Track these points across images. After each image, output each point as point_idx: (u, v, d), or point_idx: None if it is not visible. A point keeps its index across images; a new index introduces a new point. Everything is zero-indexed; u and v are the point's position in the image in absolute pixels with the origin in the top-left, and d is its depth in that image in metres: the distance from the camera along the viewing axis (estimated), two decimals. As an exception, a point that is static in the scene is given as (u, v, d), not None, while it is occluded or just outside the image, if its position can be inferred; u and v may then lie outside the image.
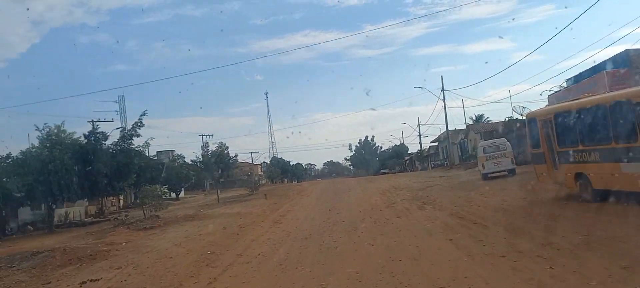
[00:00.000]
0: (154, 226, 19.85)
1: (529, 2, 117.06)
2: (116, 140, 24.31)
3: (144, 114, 24.29)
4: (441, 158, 62.21)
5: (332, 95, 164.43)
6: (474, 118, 71.72)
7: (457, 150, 48.78)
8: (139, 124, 24.18)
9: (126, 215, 25.78)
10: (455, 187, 21.43)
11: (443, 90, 44.63)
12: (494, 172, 21.51)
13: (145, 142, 25.68)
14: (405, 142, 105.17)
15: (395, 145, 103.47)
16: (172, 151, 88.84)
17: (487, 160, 21.20)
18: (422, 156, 71.67)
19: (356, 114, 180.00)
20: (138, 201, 31.22)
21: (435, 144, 66.86)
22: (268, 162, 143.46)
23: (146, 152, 28.64)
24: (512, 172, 21.49)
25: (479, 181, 22.11)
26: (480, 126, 44.22)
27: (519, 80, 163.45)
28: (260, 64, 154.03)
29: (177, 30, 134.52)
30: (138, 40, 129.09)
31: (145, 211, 23.66)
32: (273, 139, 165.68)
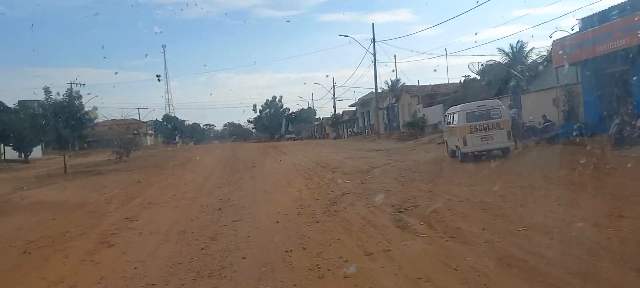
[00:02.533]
0: None
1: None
2: None
3: None
4: (361, 125, 56.27)
5: (236, 55, 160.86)
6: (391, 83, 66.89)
7: (384, 116, 42.66)
8: None
9: None
10: (432, 175, 14.51)
11: (373, 41, 37.86)
12: (481, 151, 14.86)
13: None
14: (318, 107, 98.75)
15: (303, 108, 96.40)
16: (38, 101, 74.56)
17: (471, 133, 14.44)
18: (337, 122, 65.32)
19: (261, 75, 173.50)
20: None
21: (353, 108, 60.78)
22: (159, 120, 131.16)
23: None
24: (506, 151, 15.02)
25: (456, 164, 15.41)
26: (419, 88, 38.31)
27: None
28: (159, 16, 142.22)
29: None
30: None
31: None
32: (170, 96, 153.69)
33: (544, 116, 17.38)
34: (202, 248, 7.49)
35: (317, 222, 8.79)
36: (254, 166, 21.29)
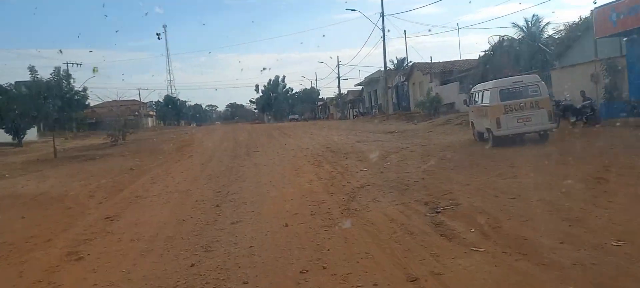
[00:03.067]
0: None
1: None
2: None
3: None
4: (367, 105, 54.42)
5: (239, 35, 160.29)
6: (397, 61, 64.85)
7: (392, 95, 40.78)
8: None
9: None
10: (462, 163, 12.79)
11: (382, 14, 35.82)
12: (517, 134, 13.09)
13: None
14: (322, 86, 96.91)
15: (306, 88, 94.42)
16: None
17: (506, 113, 12.64)
18: (342, 102, 63.44)
19: (263, 55, 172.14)
20: None
21: (359, 88, 58.87)
22: (161, 102, 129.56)
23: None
24: (545, 135, 13.26)
25: (487, 149, 13.64)
26: (431, 65, 36.34)
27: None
28: None
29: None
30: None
31: None
32: (171, 77, 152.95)
33: (582, 93, 15.59)
34: (193, 265, 5.86)
35: (336, 225, 7.14)
36: (257, 150, 19.62)
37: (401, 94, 42.60)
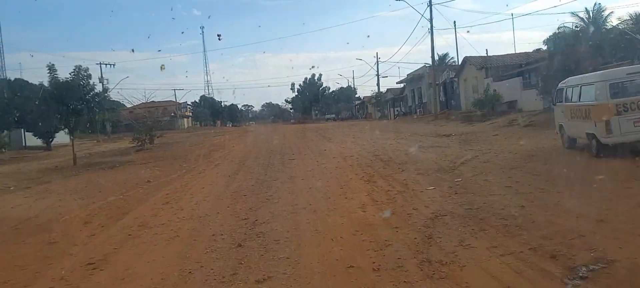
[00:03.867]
0: None
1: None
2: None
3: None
4: (410, 104, 51.30)
5: (277, 35, 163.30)
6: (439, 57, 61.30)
7: (438, 94, 37.59)
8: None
9: None
10: (566, 181, 9.89)
11: (430, 4, 32.74)
12: (634, 142, 10.03)
13: None
14: (359, 85, 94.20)
15: (342, 87, 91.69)
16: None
17: (619, 114, 9.65)
18: (381, 101, 60.41)
19: (298, 55, 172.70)
20: None
21: (400, 85, 55.77)
22: (198, 102, 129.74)
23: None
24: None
25: (591, 160, 10.60)
26: (487, 58, 33.03)
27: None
28: None
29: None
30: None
31: None
32: (209, 78, 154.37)
33: None
34: None
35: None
36: (292, 158, 17.14)
37: (450, 91, 39.38)
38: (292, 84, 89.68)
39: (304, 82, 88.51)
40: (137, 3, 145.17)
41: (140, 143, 27.98)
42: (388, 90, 71.90)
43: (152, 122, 30.47)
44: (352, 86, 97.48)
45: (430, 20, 33.20)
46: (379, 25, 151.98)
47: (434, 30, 33.72)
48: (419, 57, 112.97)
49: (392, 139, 20.79)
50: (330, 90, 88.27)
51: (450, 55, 66.93)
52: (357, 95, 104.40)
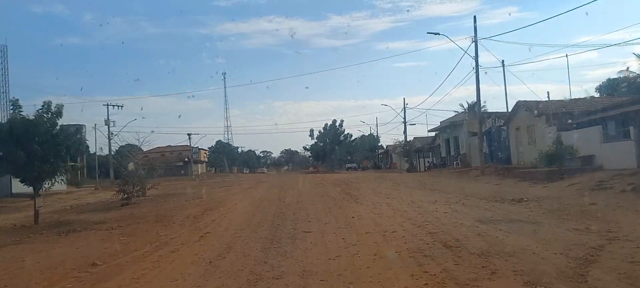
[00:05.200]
0: None
1: (493, 3, 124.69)
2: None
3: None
4: (445, 155, 46.34)
5: (296, 84, 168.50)
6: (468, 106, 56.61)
7: (482, 143, 32.54)
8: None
9: None
10: None
11: (475, 35, 28.31)
12: None
13: None
14: (382, 133, 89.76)
15: (364, 135, 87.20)
16: (82, 126, 70.13)
17: None
18: (409, 150, 55.50)
19: (318, 103, 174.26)
20: None
21: (431, 134, 50.97)
22: (214, 147, 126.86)
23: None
24: None
25: None
26: (547, 104, 28.21)
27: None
28: (221, 46, 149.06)
29: (135, 7, 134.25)
30: (94, 13, 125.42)
31: None
32: (229, 123, 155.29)
33: None
34: None
35: None
36: (308, 230, 12.33)
37: (496, 141, 34.45)
38: (311, 130, 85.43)
39: (324, 128, 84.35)
40: (163, 50, 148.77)
41: (126, 195, 23.56)
42: (415, 138, 67.16)
43: (149, 169, 26.07)
44: (375, 133, 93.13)
45: (476, 57, 28.81)
46: (403, 74, 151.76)
47: (479, 70, 29.15)
48: (449, 106, 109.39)
49: (441, 203, 15.92)
50: (353, 138, 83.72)
51: (483, 101, 62.50)
52: (379, 144, 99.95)
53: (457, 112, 62.63)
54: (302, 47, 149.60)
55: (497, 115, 35.19)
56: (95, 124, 69.47)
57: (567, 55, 49.52)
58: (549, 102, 28.71)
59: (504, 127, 32.84)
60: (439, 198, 17.17)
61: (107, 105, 62.80)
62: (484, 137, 34.30)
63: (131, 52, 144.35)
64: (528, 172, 23.32)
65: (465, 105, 65.08)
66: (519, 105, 29.85)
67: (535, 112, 27.05)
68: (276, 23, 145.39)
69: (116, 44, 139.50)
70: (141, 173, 25.86)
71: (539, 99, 29.98)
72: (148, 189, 26.55)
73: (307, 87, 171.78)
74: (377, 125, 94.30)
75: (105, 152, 62.00)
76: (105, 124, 62.01)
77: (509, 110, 34.07)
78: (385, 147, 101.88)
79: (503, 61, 36.36)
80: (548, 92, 31.49)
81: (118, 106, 63.32)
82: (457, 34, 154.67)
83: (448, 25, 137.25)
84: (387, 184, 27.42)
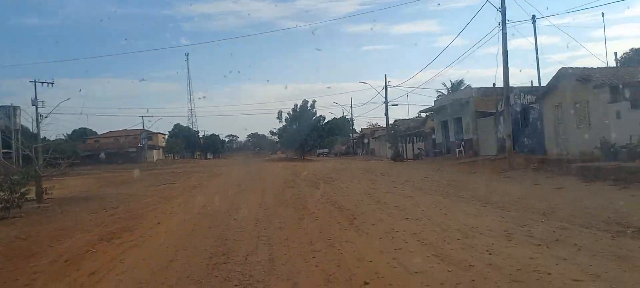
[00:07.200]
0: None
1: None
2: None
3: None
4: (441, 141, 39.74)
5: (264, 66, 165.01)
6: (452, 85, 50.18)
7: (509, 124, 24.95)
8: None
9: None
10: None
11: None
12: None
13: None
14: (357, 116, 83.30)
15: (336, 118, 79.88)
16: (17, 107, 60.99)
17: None
18: (395, 135, 48.64)
19: (286, 86, 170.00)
20: None
21: (423, 115, 44.30)
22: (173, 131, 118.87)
23: None
24: None
25: None
26: (613, 71, 21.49)
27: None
28: (186, 28, 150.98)
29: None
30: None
31: None
32: (193, 106, 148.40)
33: None
34: None
35: None
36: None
37: (521, 124, 27.63)
38: (279, 112, 77.72)
39: (293, 109, 76.75)
40: (123, 30, 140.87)
41: (3, 204, 15.96)
42: (395, 121, 60.68)
43: (26, 170, 18.37)
44: (350, 116, 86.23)
45: (502, 8, 21.95)
46: (377, 56, 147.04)
47: (507, 26, 22.28)
48: (434, 85, 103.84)
49: (521, 239, 9.03)
50: (325, 121, 76.52)
51: (465, 82, 56.25)
52: (353, 127, 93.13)
53: (440, 92, 56.43)
54: (268, 27, 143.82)
55: (522, 90, 28.62)
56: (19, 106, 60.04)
57: (602, 14, 42.90)
58: (612, 69, 22.07)
59: (535, 105, 26.25)
60: (468, 209, 10.26)
61: (34, 82, 53.91)
62: (500, 118, 27.69)
63: (91, 32, 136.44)
64: (589, 167, 16.80)
65: (448, 85, 58.87)
66: (563, 73, 22.96)
67: (589, 83, 20.44)
68: (241, 5, 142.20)
69: (76, 24, 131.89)
70: (35, 170, 18.22)
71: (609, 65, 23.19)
72: (45, 192, 18.99)
73: (271, 68, 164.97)
74: (351, 107, 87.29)
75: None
76: (32, 104, 53.20)
77: (541, 83, 27.30)
78: (360, 131, 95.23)
79: (534, 16, 29.57)
80: (615, 53, 24.50)
81: (48, 83, 54.41)
82: (423, 17, 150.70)
83: (415, 9, 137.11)
84: (384, 184, 20.55)
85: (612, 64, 24.45)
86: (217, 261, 8.52)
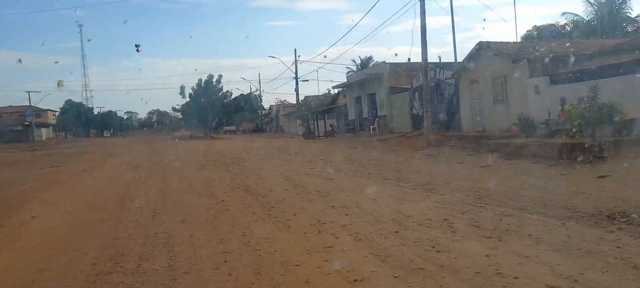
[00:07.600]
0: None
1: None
2: None
3: None
4: (354, 117, 39.01)
5: (166, 39, 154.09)
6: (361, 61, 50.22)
7: (427, 101, 24.03)
8: None
9: None
10: None
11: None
12: None
13: None
14: (268, 92, 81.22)
15: (243, 94, 77.51)
16: None
17: None
18: (305, 111, 47.50)
19: (189, 61, 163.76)
20: None
21: (336, 90, 43.38)
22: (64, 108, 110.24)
23: None
24: None
25: None
26: (527, 47, 21.23)
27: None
28: None
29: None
30: None
31: None
32: (87, 81, 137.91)
33: None
34: None
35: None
36: None
37: (437, 100, 27.26)
38: (181, 88, 73.67)
39: (197, 85, 73.16)
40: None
41: None
42: (306, 97, 59.78)
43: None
44: (259, 93, 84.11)
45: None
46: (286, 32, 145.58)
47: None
48: (345, 61, 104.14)
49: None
50: (232, 97, 73.85)
51: (374, 59, 56.46)
52: (261, 104, 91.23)
53: (350, 68, 56.13)
54: (172, 2, 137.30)
55: (438, 65, 28.30)
56: None
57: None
58: (518, 44, 21.95)
59: (451, 81, 26.00)
60: (443, 214, 9.16)
61: None
62: (415, 94, 27.29)
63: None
64: (509, 144, 16.49)
65: (358, 61, 58.71)
66: (482, 47, 22.62)
67: (509, 57, 20.19)
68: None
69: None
70: None
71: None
72: None
73: (191, 37, 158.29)
74: (260, 83, 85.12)
75: None
76: None
77: (458, 59, 26.98)
78: (268, 108, 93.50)
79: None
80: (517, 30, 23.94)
81: None
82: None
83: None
84: (300, 164, 19.17)
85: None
86: (102, 269, 6.72)
